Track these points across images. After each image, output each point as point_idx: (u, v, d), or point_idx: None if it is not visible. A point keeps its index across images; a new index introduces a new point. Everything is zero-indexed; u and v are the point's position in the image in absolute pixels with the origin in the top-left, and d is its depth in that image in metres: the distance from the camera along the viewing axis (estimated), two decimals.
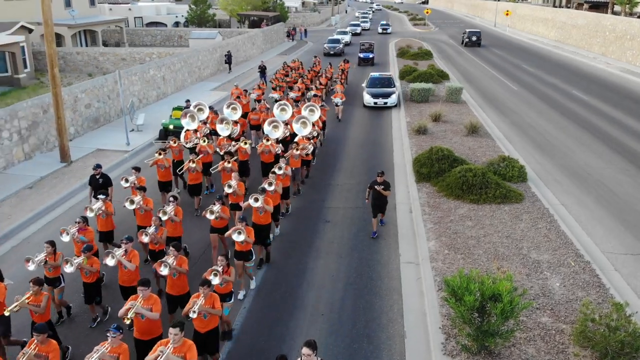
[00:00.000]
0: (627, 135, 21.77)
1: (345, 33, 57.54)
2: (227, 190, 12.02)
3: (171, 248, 8.93)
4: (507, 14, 69.77)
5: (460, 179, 14.87)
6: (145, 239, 9.92)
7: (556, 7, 71.75)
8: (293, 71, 29.82)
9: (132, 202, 11.27)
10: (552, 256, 11.69)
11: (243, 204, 11.86)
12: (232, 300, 9.09)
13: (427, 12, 78.72)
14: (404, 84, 32.10)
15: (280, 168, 13.11)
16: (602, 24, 46.73)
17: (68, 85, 25.46)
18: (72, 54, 39.21)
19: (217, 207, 10.93)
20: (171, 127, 19.57)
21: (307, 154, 15.68)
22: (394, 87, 27.31)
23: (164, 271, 8.61)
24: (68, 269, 9.04)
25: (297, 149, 14.76)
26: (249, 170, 15.56)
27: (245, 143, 15.01)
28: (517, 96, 29.71)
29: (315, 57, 35.87)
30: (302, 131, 16.28)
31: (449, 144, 19.36)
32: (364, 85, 28.29)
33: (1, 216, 13.90)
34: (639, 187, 16.12)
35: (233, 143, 15.56)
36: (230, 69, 37.78)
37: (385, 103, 26.11)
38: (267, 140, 15.09)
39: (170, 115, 20.80)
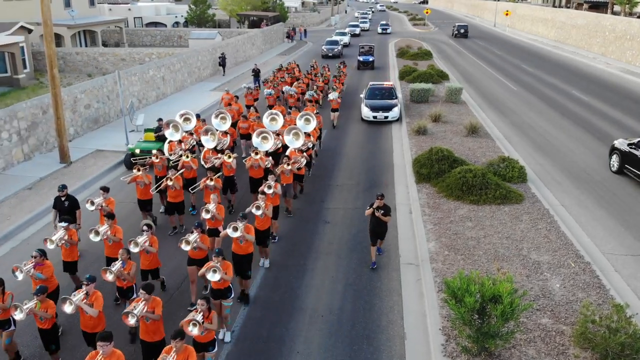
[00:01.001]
0: (627, 135, 21.73)
1: (344, 34, 56.04)
2: (205, 215, 10.66)
3: (141, 291, 7.72)
4: (506, 14, 69.80)
5: (460, 180, 14.86)
6: (109, 277, 8.58)
7: (556, 7, 71.76)
8: (287, 76, 28.06)
9: (96, 233, 9.77)
10: (552, 257, 11.67)
11: (222, 233, 10.46)
12: (215, 349, 8.02)
13: (427, 12, 78.72)
14: (404, 84, 32.10)
15: (269, 187, 11.87)
16: (601, 24, 46.74)
17: (67, 86, 25.45)
18: (71, 55, 39.18)
19: (193, 237, 9.58)
20: (137, 151, 17.09)
21: (299, 168, 14.34)
22: (396, 98, 24.72)
23: (131, 321, 7.44)
24: (18, 315, 7.71)
25: (288, 164, 13.45)
26: (235, 186, 14.39)
27: (230, 157, 13.71)
28: (516, 96, 29.70)
29: (315, 62, 34.34)
30: (295, 143, 14.96)
31: (449, 145, 19.34)
32: (362, 96, 25.49)
33: (0, 217, 13.88)
34: (638, 188, 16.10)
35: (218, 156, 14.35)
36: (224, 71, 36.43)
37: (386, 117, 23.66)
38: (256, 153, 13.80)
39: (141, 138, 18.73)
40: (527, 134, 22.06)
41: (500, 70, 38.85)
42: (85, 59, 39.07)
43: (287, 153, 14.68)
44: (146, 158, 14.69)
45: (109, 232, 9.92)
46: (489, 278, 8.45)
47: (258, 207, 10.78)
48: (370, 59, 39.46)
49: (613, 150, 17.42)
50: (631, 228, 13.40)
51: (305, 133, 15.60)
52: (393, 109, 23.63)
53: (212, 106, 26.70)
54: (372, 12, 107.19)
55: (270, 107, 20.83)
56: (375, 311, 10.10)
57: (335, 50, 45.63)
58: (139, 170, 12.50)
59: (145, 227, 9.70)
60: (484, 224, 13.26)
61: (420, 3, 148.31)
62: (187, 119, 16.81)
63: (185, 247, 9.44)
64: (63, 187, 11.67)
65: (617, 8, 62.28)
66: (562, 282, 10.67)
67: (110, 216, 10.10)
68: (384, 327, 9.63)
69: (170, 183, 12.50)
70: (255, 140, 15.19)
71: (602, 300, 10.07)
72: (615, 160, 17.23)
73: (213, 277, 8.51)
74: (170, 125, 15.62)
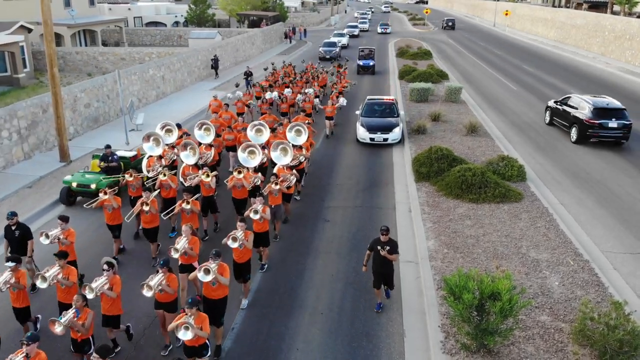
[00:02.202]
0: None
1: (342, 35, 54.22)
2: (174, 254, 9.09)
3: (94, 355, 6.75)
4: (506, 14, 69.87)
5: (460, 179, 14.89)
6: (58, 330, 7.22)
7: (555, 7, 71.81)
8: (281, 80, 26.47)
9: (43, 278, 8.20)
10: (551, 255, 11.70)
11: (191, 275, 8.92)
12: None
13: (427, 12, 78.75)
14: (404, 83, 32.13)
15: (256, 212, 10.51)
16: (601, 23, 46.78)
17: (67, 85, 25.46)
18: (71, 54, 39.20)
19: (156, 280, 8.17)
20: (74, 184, 14.27)
21: (288, 187, 12.81)
22: (397, 116, 21.22)
23: None
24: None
25: (276, 183, 12.11)
26: (215, 207, 12.94)
27: (208, 175, 12.33)
28: (516, 96, 29.73)
29: (310, 63, 32.97)
30: (282, 159, 13.60)
31: (448, 144, 19.38)
32: (358, 112, 21.83)
33: (1, 216, 13.88)
34: (638, 187, 16.14)
35: (201, 173, 12.67)
36: (217, 74, 35.17)
37: (386, 140, 20.01)
38: (239, 172, 12.36)
39: (87, 167, 15.85)
40: (526, 133, 22.10)
41: (500, 70, 38.88)
42: (85, 58, 39.09)
43: (275, 170, 13.31)
44: (85, 192, 13.80)
45: (60, 276, 8.42)
46: (488, 275, 8.49)
47: (235, 239, 9.31)
48: (371, 63, 37.28)
49: (546, 108, 23.64)
50: (630, 226, 13.44)
51: (296, 146, 14.63)
52: (394, 130, 20.28)
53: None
54: (372, 12, 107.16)
55: (264, 114, 19.34)
56: (374, 308, 10.11)
57: (333, 52, 43.94)
58: (105, 193, 11.18)
59: (105, 266, 8.25)
60: (483, 223, 13.29)
61: (416, 3, 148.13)
62: (168, 131, 15.35)
63: (147, 293, 7.91)
64: (12, 215, 10.11)
65: (616, 8, 62.35)
66: (561, 280, 10.70)
67: (62, 255, 8.63)
68: (383, 324, 9.66)
69: (146, 209, 11.07)
70: (241, 155, 13.63)
71: (601, 297, 10.11)
72: (547, 115, 23.45)
73: (185, 336, 7.16)
74: (151, 138, 14.16)
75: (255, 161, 13.53)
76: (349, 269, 11.56)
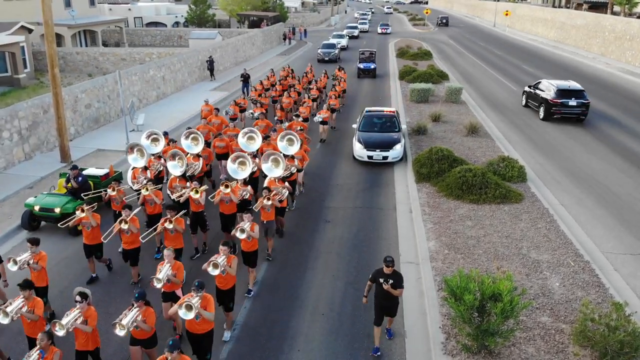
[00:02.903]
0: (626, 135, 21.82)
1: (341, 37, 52.39)
2: (157, 284, 8.31)
3: None
4: (506, 14, 69.90)
5: (460, 179, 14.91)
6: None
7: (555, 7, 71.85)
8: (278, 83, 25.66)
9: (5, 313, 7.42)
10: (552, 256, 11.72)
11: (171, 310, 7.91)
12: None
13: (427, 13, 78.80)
14: (404, 84, 32.12)
15: (242, 230, 9.85)
16: (601, 24, 46.80)
17: (68, 86, 25.47)
18: (72, 54, 39.22)
19: (130, 317, 7.31)
20: (36, 208, 12.91)
21: (281, 201, 12.10)
22: (399, 130, 19.01)
23: None
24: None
25: (268, 198, 11.26)
26: (205, 224, 12.09)
27: (197, 191, 11.40)
28: (516, 96, 29.72)
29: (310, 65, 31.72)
30: (274, 172, 12.70)
31: (449, 144, 19.39)
32: (355, 126, 19.74)
33: (2, 216, 13.92)
34: (638, 187, 16.15)
35: (189, 188, 11.68)
36: (212, 76, 34.20)
37: (385, 158, 17.82)
38: (226, 186, 11.35)
39: (53, 188, 14.40)
40: (526, 133, 22.10)
41: (500, 71, 38.90)
42: (85, 58, 39.11)
43: (266, 183, 12.52)
44: (49, 216, 12.62)
45: (24, 309, 7.63)
46: (489, 276, 8.50)
47: (216, 265, 8.50)
48: (372, 67, 35.48)
49: (523, 92, 27.09)
50: (631, 227, 13.45)
51: (288, 156, 13.80)
52: (395, 147, 17.93)
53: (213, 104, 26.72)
54: (372, 12, 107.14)
55: (256, 118, 18.55)
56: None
57: (332, 54, 42.56)
58: (82, 211, 10.21)
59: (78, 297, 7.45)
60: (484, 223, 13.30)
61: (411, 3, 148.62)
62: (155, 140, 14.38)
63: (120, 332, 7.11)
64: None
65: (616, 8, 62.37)
66: (561, 281, 10.72)
67: (26, 285, 7.77)
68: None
69: (125, 227, 10.02)
70: (231, 166, 12.65)
71: (602, 298, 10.12)
72: (523, 98, 26.87)
73: None
74: (135, 149, 13.24)
75: (245, 173, 12.54)
76: (350, 269, 11.57)
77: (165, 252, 8.77)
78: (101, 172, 14.70)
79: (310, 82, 27.00)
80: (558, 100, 23.04)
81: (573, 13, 55.89)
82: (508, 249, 12.02)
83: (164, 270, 8.47)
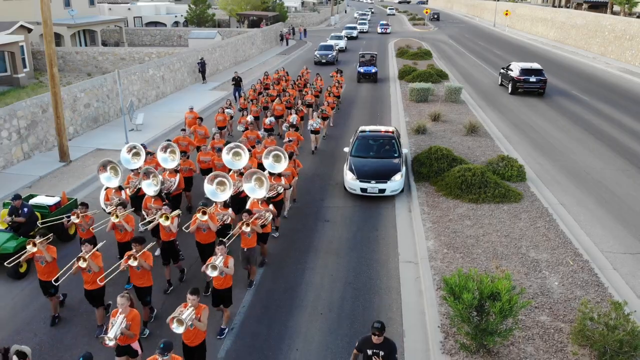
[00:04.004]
0: (626, 135, 21.81)
1: (339, 38, 50.49)
2: (108, 343, 7.13)
3: None
4: (506, 14, 69.88)
5: (460, 179, 14.89)
6: None
7: (555, 7, 71.84)
8: (272, 87, 24.17)
9: None
10: (551, 255, 11.70)
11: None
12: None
13: (427, 12, 78.82)
14: (404, 83, 32.09)
15: (214, 267, 8.49)
16: (601, 24, 46.79)
17: (67, 85, 25.46)
18: (71, 54, 39.20)
19: None
20: None
21: (264, 225, 10.77)
22: (399, 156, 15.91)
23: None
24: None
25: (247, 223, 9.96)
26: (177, 255, 10.82)
27: (167, 218, 9.96)
28: (515, 96, 29.71)
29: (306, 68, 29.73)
30: (256, 192, 11.32)
31: (448, 144, 19.37)
32: (346, 150, 16.69)
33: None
34: (638, 187, 16.14)
35: (158, 215, 10.24)
36: (204, 78, 33.03)
37: (382, 191, 14.90)
38: (203, 213, 9.92)
39: None
40: (526, 133, 22.10)
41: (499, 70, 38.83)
42: (85, 58, 39.09)
43: (248, 206, 11.29)
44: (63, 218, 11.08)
45: None
46: (488, 275, 8.49)
47: (181, 322, 7.11)
48: (373, 70, 33.38)
49: (499, 73, 33.02)
50: (630, 227, 13.44)
51: (274, 174, 12.59)
52: (394, 177, 14.98)
53: (212, 106, 26.75)
54: (372, 12, 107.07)
55: (246, 129, 17.31)
56: (374, 309, 10.12)
57: (330, 56, 40.58)
58: (34, 245, 8.91)
59: (15, 358, 6.69)
60: (483, 223, 13.29)
61: (399, 3, 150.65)
62: (136, 155, 13.14)
63: None
64: None
65: (616, 8, 62.38)
66: (560, 280, 10.70)
67: None
68: None
69: (83, 265, 8.58)
70: (209, 187, 11.09)
71: (601, 298, 10.10)
72: (499, 79, 32.56)
73: None
74: (108, 167, 11.80)
75: (225, 194, 11.05)
76: (349, 269, 11.56)
77: (119, 300, 7.35)
78: (51, 200, 12.63)
79: (305, 85, 25.41)
80: (521, 78, 28.93)
81: (573, 13, 55.88)
82: (507, 248, 12.01)
83: (116, 325, 7.21)
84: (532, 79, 28.75)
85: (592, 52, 47.62)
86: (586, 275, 10.90)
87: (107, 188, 11.77)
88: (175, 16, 65.50)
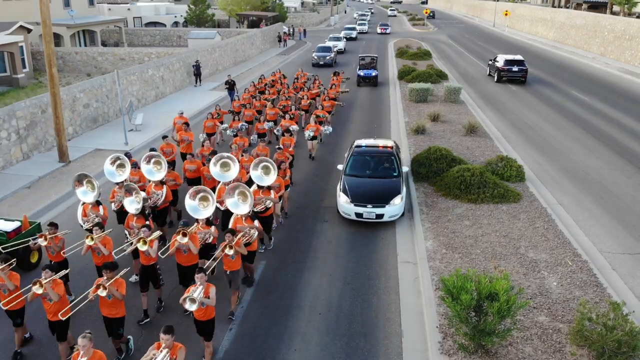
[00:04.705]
0: (625, 135, 21.81)
1: (338, 39, 49.27)
2: None
3: None
4: (506, 14, 69.88)
5: (458, 179, 14.89)
6: None
7: (555, 7, 71.84)
8: (267, 91, 23.26)
9: None
10: (550, 255, 11.70)
11: None
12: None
13: (426, 13, 78.84)
14: (403, 84, 32.07)
15: (193, 300, 7.54)
16: (601, 24, 46.80)
17: (67, 85, 25.46)
18: (70, 54, 39.20)
19: None
20: None
21: (249, 243, 10.02)
22: (399, 175, 14.27)
23: None
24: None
25: (229, 246, 8.97)
26: (158, 279, 9.82)
27: (144, 242, 9.01)
28: (515, 96, 29.72)
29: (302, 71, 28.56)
30: (240, 208, 10.35)
31: (447, 144, 19.37)
32: (340, 167, 14.92)
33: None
34: (637, 187, 16.14)
35: (135, 240, 9.37)
36: (198, 81, 32.03)
37: (380, 217, 13.20)
38: (183, 234, 9.00)
39: None
40: (525, 133, 22.10)
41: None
42: (84, 58, 39.08)
43: (231, 224, 10.32)
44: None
45: None
46: (486, 276, 8.48)
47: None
48: (373, 74, 32.17)
49: (487, 65, 37.22)
50: (629, 227, 13.44)
51: (263, 187, 11.66)
52: (393, 200, 13.28)
53: (212, 106, 26.73)
54: (372, 13, 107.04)
55: (236, 135, 16.57)
56: (372, 309, 10.12)
57: (328, 58, 39.42)
58: None
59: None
60: (482, 223, 13.28)
61: (392, 2, 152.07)
62: (120, 166, 12.20)
63: None
64: None
65: (616, 8, 62.39)
66: (559, 280, 10.70)
67: None
68: (381, 324, 9.65)
69: (38, 291, 7.63)
70: (190, 203, 10.19)
71: (599, 298, 10.10)
72: (487, 69, 36.66)
73: None
74: (84, 181, 10.93)
75: (208, 211, 10.17)
76: (347, 269, 11.55)
77: (80, 341, 6.41)
78: (9, 226, 11.20)
79: (302, 89, 24.38)
80: (505, 68, 32.98)
81: (573, 13, 55.88)
82: (506, 249, 12.00)
83: None
84: (515, 68, 32.68)
85: (591, 52, 47.63)
86: (585, 275, 10.90)
87: (84, 203, 10.93)
88: (175, 16, 65.50)
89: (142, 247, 9.04)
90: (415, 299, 10.38)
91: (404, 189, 13.87)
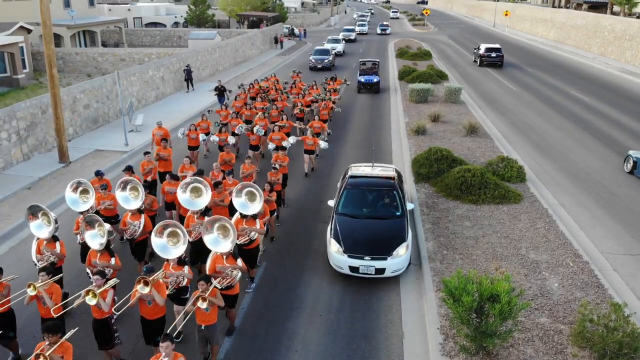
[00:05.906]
0: (626, 135, 21.79)
1: (337, 41, 47.46)
2: None
3: None
4: (506, 15, 69.86)
5: (459, 180, 14.87)
6: None
7: (555, 7, 71.80)
8: (259, 97, 22.08)
9: None
10: (551, 256, 11.68)
11: None
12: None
13: (426, 13, 78.81)
14: (403, 84, 32.02)
15: None
16: (601, 24, 46.78)
17: (67, 86, 25.45)
18: (71, 55, 39.20)
19: None
20: None
21: (231, 286, 8.70)
22: (402, 213, 11.76)
23: None
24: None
25: (202, 297, 7.45)
26: (111, 338, 8.06)
27: (94, 295, 7.34)
28: (516, 96, 29.72)
29: (295, 71, 27.72)
30: (220, 245, 8.76)
31: (448, 145, 19.35)
32: (332, 204, 12.36)
33: (0, 217, 13.88)
34: (638, 187, 16.12)
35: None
36: (190, 86, 30.32)
37: (381, 272, 10.66)
38: (145, 283, 7.43)
39: None
40: (526, 133, 22.08)
41: (499, 71, 38.88)
42: (84, 59, 39.08)
43: (209, 263, 8.92)
44: None
45: None
46: (487, 277, 8.47)
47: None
48: (375, 80, 30.10)
49: (472, 53, 44.13)
50: (630, 228, 13.42)
51: (247, 216, 10.19)
52: (397, 250, 10.74)
53: (211, 106, 26.71)
54: (372, 13, 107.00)
55: (221, 147, 15.22)
56: (373, 310, 10.10)
57: (326, 61, 37.76)
58: None
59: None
60: (483, 224, 13.26)
61: (385, 2, 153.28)
62: (84, 192, 10.68)
63: None
64: None
65: (616, 8, 62.35)
66: (560, 282, 10.68)
67: None
68: (382, 326, 9.64)
69: None
70: (157, 241, 8.66)
71: (601, 299, 10.08)
72: (473, 57, 43.35)
73: None
74: (39, 213, 9.44)
75: (179, 250, 8.61)
76: None
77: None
78: None
79: (298, 95, 22.76)
80: (485, 54, 40.25)
81: (573, 13, 55.86)
82: (507, 250, 11.98)
83: None
84: (493, 54, 39.89)
85: (592, 52, 47.61)
86: (586, 276, 10.88)
87: (38, 239, 9.44)
88: (175, 17, 65.51)
89: (90, 302, 7.33)
90: (416, 300, 10.37)
91: (410, 234, 11.20)
